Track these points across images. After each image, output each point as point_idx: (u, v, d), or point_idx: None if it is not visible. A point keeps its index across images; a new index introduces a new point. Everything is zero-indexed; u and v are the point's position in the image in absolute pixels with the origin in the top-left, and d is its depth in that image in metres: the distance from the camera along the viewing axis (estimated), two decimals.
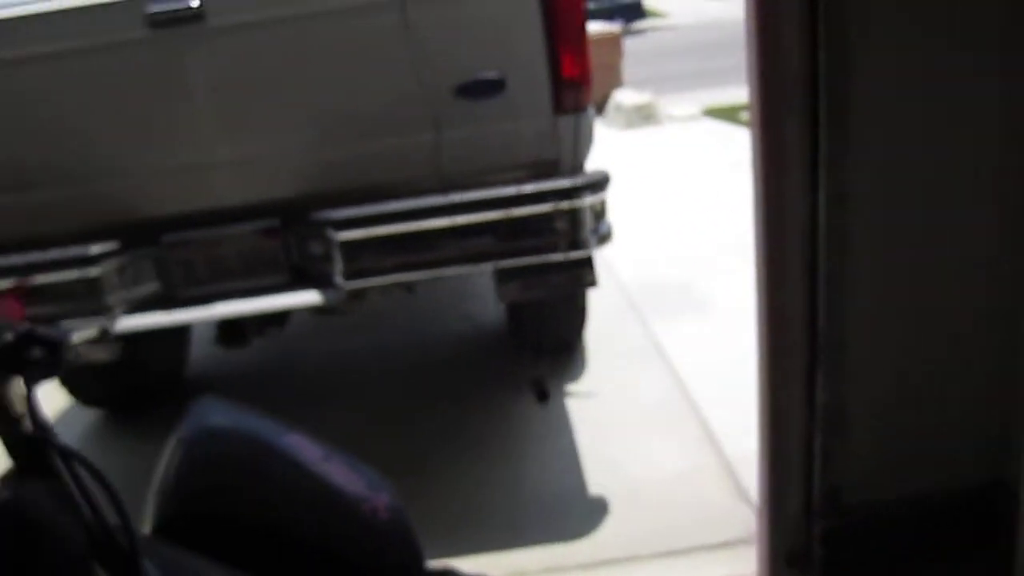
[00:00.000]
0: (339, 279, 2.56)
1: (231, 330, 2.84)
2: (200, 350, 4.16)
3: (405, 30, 2.48)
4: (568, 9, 2.52)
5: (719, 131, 8.85)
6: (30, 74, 2.55)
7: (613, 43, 11.17)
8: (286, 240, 2.66)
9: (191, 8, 2.47)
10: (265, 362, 4.08)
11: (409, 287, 2.89)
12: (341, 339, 4.26)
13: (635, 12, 23.64)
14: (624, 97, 10.08)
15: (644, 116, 9.77)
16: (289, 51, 2.54)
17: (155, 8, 2.47)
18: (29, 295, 2.53)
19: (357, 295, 2.63)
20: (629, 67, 11.56)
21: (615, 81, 10.77)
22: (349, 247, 2.53)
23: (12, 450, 1.09)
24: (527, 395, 3.53)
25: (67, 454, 1.07)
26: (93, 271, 2.55)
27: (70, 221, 2.64)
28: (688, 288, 4.42)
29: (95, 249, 2.56)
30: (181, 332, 3.87)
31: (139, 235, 2.64)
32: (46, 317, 2.53)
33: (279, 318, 2.90)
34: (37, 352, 1.17)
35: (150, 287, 2.69)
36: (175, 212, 2.65)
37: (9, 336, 1.17)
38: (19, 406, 1.15)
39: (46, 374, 1.20)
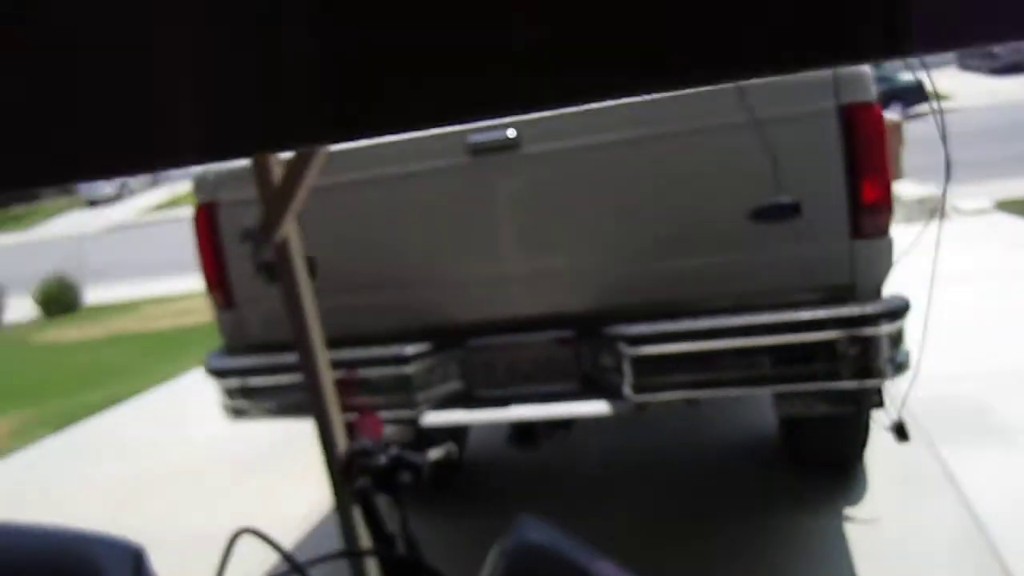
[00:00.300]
0: (628, 391, 2.68)
1: (524, 433, 3.02)
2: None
3: (710, 156, 2.59)
4: (870, 135, 2.50)
5: (1017, 228, 8.12)
6: (368, 194, 2.94)
7: (894, 132, 10.69)
8: (579, 350, 2.83)
9: (508, 138, 2.75)
10: (537, 457, 4.25)
11: (693, 402, 2.93)
12: (610, 437, 4.34)
13: (916, 95, 22.30)
14: (905, 189, 9.56)
15: (927, 210, 9.19)
16: (593, 175, 2.74)
17: (476, 139, 2.78)
18: (354, 387, 2.87)
19: (642, 407, 2.72)
20: (909, 155, 10.95)
21: (896, 173, 10.27)
22: (640, 362, 2.64)
23: (387, 567, 1.26)
24: (807, 516, 3.41)
25: (433, 574, 1.22)
26: (407, 369, 2.86)
27: (389, 323, 2.98)
28: (987, 410, 4.05)
29: (410, 349, 2.87)
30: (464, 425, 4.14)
31: (448, 338, 2.92)
32: (359, 408, 2.85)
33: (567, 423, 3.05)
34: (406, 476, 1.36)
35: (453, 386, 2.95)
36: (480, 319, 2.91)
37: (383, 459, 1.37)
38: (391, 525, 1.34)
39: (411, 495, 1.38)
